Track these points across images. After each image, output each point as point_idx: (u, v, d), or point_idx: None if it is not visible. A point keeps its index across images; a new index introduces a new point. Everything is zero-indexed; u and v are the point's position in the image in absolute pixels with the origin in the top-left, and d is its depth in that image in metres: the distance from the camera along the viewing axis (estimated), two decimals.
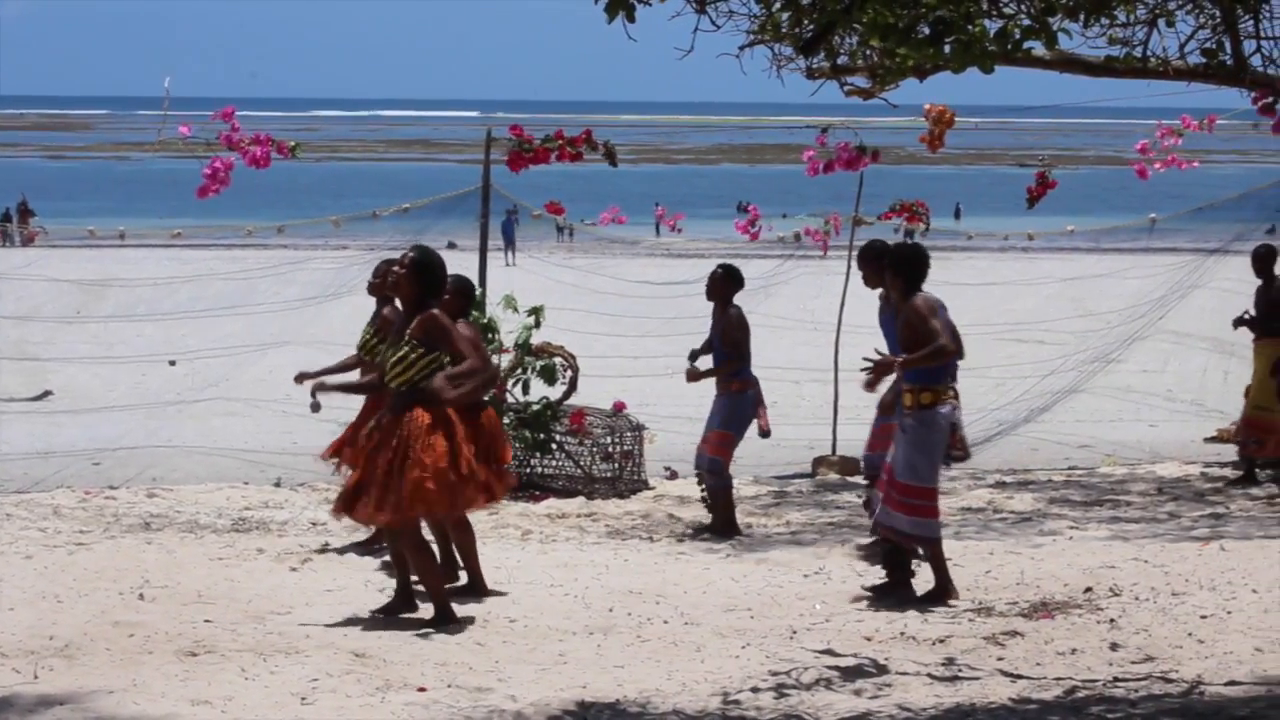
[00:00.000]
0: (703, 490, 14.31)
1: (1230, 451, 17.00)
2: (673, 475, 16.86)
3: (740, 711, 8.77)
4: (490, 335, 15.62)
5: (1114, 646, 9.92)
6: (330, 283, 19.64)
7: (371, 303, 13.22)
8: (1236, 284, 16.71)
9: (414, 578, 10.84)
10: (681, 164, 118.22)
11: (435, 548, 11.22)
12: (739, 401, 13.98)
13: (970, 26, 8.03)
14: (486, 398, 12.73)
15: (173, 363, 23.95)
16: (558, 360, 16.23)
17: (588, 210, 26.53)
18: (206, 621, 10.57)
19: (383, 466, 10.38)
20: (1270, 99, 13.22)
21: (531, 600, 11.36)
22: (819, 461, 17.75)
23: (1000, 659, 9.76)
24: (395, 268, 10.82)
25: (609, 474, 16.21)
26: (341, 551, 13.00)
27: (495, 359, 15.74)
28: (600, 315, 23.77)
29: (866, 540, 12.74)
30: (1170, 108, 16.74)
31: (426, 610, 10.72)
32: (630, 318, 23.23)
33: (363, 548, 12.93)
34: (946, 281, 21.77)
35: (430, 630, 10.44)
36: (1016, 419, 19.09)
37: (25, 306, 26.81)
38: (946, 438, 11.06)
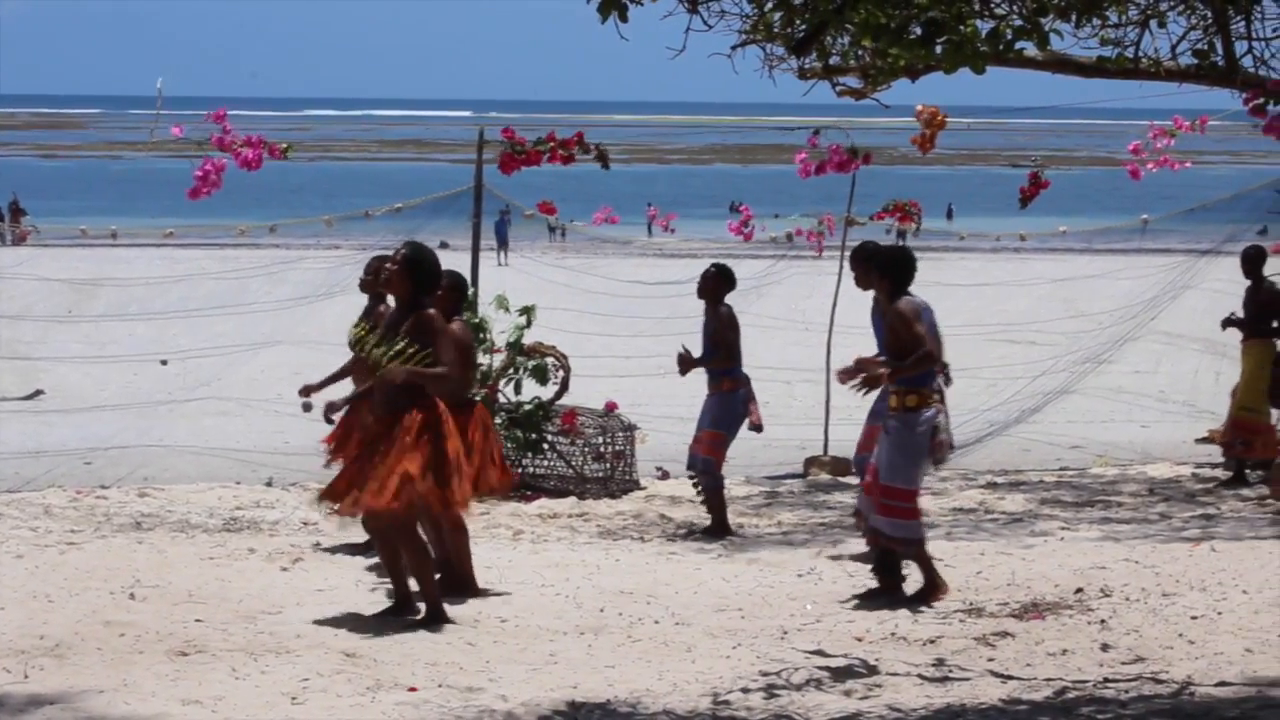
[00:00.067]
0: (698, 491, 14.32)
1: (1221, 453, 17.00)
2: (664, 475, 16.87)
3: (731, 712, 8.77)
4: (481, 335, 15.62)
5: (1104, 647, 9.92)
6: (322, 282, 19.63)
7: (363, 300, 13.21)
8: (1228, 285, 16.72)
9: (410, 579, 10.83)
10: (674, 164, 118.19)
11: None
12: (730, 401, 13.98)
13: (962, 27, 8.04)
14: (479, 397, 12.74)
15: (164, 362, 23.93)
16: (549, 360, 16.23)
17: (580, 210, 26.51)
18: (197, 621, 10.56)
19: (373, 462, 10.39)
20: (1261, 100, 13.23)
21: (523, 600, 11.36)
22: (811, 462, 17.76)
23: (991, 660, 9.76)
24: (388, 264, 10.81)
25: (601, 474, 16.21)
26: (333, 551, 13.00)
27: (486, 359, 15.76)
28: (592, 315, 23.77)
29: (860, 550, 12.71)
30: (1162, 109, 16.74)
31: (420, 609, 10.72)
32: (622, 318, 23.24)
33: (354, 548, 12.92)
34: (938, 282, 21.78)
35: (421, 629, 10.44)
36: (1008, 420, 19.09)
37: (17, 306, 26.77)
38: (929, 441, 11.08)
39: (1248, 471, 16.33)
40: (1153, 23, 13.03)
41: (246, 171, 14.82)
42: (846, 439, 15.72)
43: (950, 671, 9.53)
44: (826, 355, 17.70)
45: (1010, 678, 9.36)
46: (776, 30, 12.34)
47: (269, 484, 16.38)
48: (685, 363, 14.10)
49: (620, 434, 16.33)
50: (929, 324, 11.05)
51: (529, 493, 15.75)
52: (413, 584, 10.74)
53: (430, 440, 10.38)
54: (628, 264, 41.46)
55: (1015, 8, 9.41)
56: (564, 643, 10.23)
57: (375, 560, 12.22)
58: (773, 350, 21.39)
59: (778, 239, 20.98)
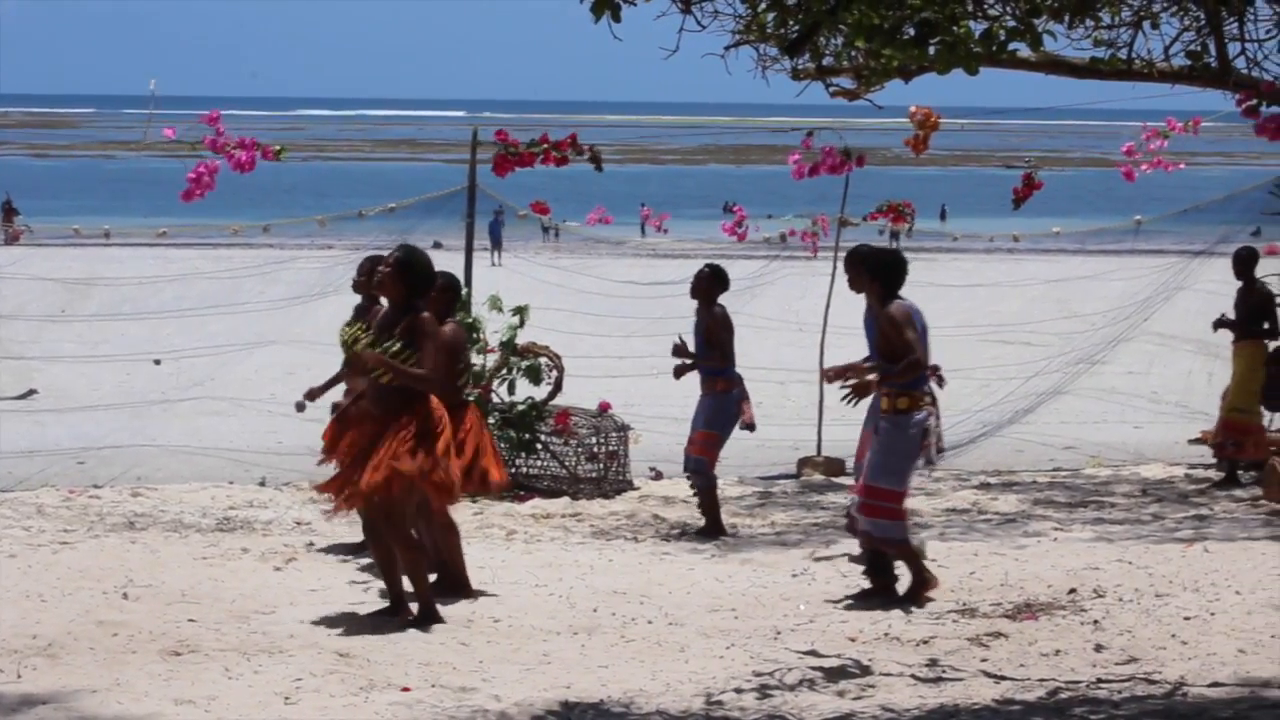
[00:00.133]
0: (694, 492, 14.33)
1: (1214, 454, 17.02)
2: (658, 475, 16.87)
3: (724, 712, 8.77)
4: (474, 335, 15.62)
5: (1098, 648, 9.93)
6: (316, 282, 19.63)
7: (356, 299, 13.21)
8: (1221, 286, 16.74)
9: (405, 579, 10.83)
10: (668, 164, 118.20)
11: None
12: (724, 401, 14.00)
13: (955, 28, 8.04)
14: (471, 397, 12.74)
15: (158, 362, 23.92)
16: (543, 360, 16.23)
17: (573, 210, 26.54)
18: (190, 621, 10.56)
19: (366, 459, 10.42)
20: (1254, 101, 13.24)
21: (516, 600, 11.36)
22: (804, 462, 17.76)
23: (984, 660, 9.77)
24: (381, 267, 10.83)
25: (594, 474, 16.21)
26: (326, 551, 13.00)
27: (480, 359, 15.76)
28: (586, 315, 23.77)
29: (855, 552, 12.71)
30: (1155, 109, 16.76)
31: (413, 608, 10.71)
32: (616, 318, 23.24)
33: (348, 548, 12.92)
34: (932, 283, 21.79)
35: (414, 629, 10.44)
36: (1001, 420, 19.10)
37: (9, 305, 26.71)
38: (920, 443, 11.09)
39: (1240, 472, 16.34)
40: (1146, 24, 13.05)
41: (239, 173, 14.84)
42: (840, 439, 15.75)
43: (943, 672, 9.53)
44: (820, 356, 17.69)
45: (1003, 678, 9.37)
46: (770, 31, 12.33)
47: (262, 484, 16.36)
48: (679, 351, 14.09)
49: (614, 434, 16.33)
50: (921, 329, 11.07)
51: (522, 493, 15.74)
52: (406, 584, 10.74)
53: (422, 438, 10.40)
54: (621, 264, 41.44)
55: (1008, 9, 9.40)
56: (557, 643, 10.23)
57: (369, 560, 12.21)
58: (766, 351, 21.40)
59: (771, 239, 20.99)
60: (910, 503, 14.65)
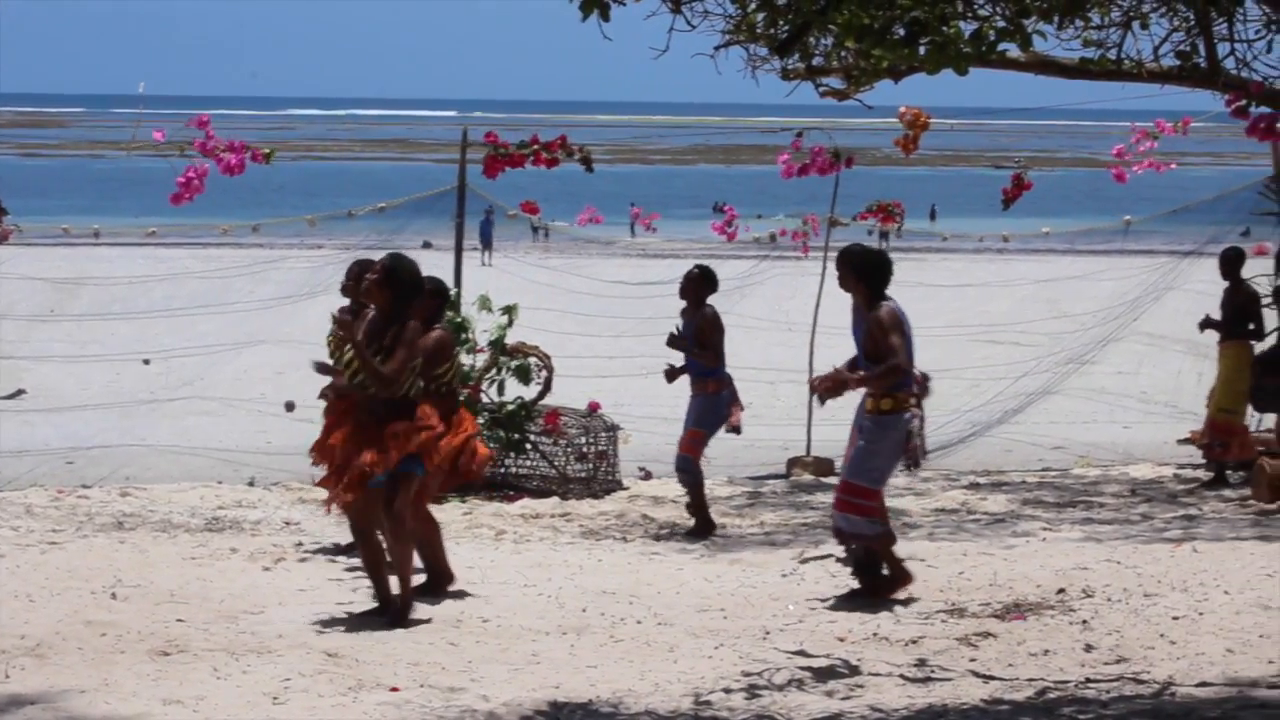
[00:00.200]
0: (685, 492, 14.34)
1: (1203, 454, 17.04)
2: (647, 476, 16.87)
3: (713, 712, 8.77)
4: (464, 335, 15.61)
5: (1086, 648, 9.94)
6: (305, 282, 19.60)
7: (344, 302, 13.20)
8: (1210, 286, 16.76)
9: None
10: (658, 164, 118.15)
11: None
12: (714, 401, 14.01)
13: (945, 28, 8.04)
14: (461, 398, 12.74)
15: (147, 361, 23.89)
16: (533, 360, 16.23)
17: (563, 210, 26.52)
18: (179, 621, 10.54)
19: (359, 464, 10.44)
20: (1244, 101, 13.26)
21: (505, 600, 11.35)
22: (793, 462, 17.76)
23: (973, 660, 9.77)
24: (369, 275, 10.87)
25: (583, 474, 16.21)
26: (315, 551, 12.99)
27: (469, 359, 15.76)
28: (575, 315, 23.75)
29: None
30: (1144, 110, 16.76)
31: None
32: (605, 318, 23.22)
33: (336, 549, 12.92)
34: (921, 283, 21.81)
35: (404, 628, 10.44)
36: (991, 420, 19.12)
37: None
38: (902, 445, 11.10)
39: (1229, 473, 16.35)
40: (1135, 24, 13.06)
41: (229, 176, 14.85)
42: (829, 439, 15.74)
43: (932, 672, 9.54)
44: (810, 356, 17.70)
45: (992, 678, 9.37)
46: (760, 31, 12.35)
47: (251, 484, 16.36)
48: (675, 342, 14.08)
49: (603, 434, 16.33)
50: (905, 335, 11.08)
51: (511, 493, 15.74)
52: (394, 583, 10.74)
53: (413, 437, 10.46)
54: (611, 264, 41.42)
55: (998, 9, 9.41)
56: (546, 643, 10.23)
57: (357, 561, 12.21)
58: (756, 351, 21.39)
59: (761, 239, 21.00)
60: (899, 503, 14.75)
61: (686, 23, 10.09)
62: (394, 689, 9.09)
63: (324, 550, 12.99)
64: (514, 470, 16.21)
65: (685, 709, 8.82)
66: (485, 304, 16.06)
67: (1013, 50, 9.41)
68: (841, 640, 10.30)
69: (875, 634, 10.44)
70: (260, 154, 14.92)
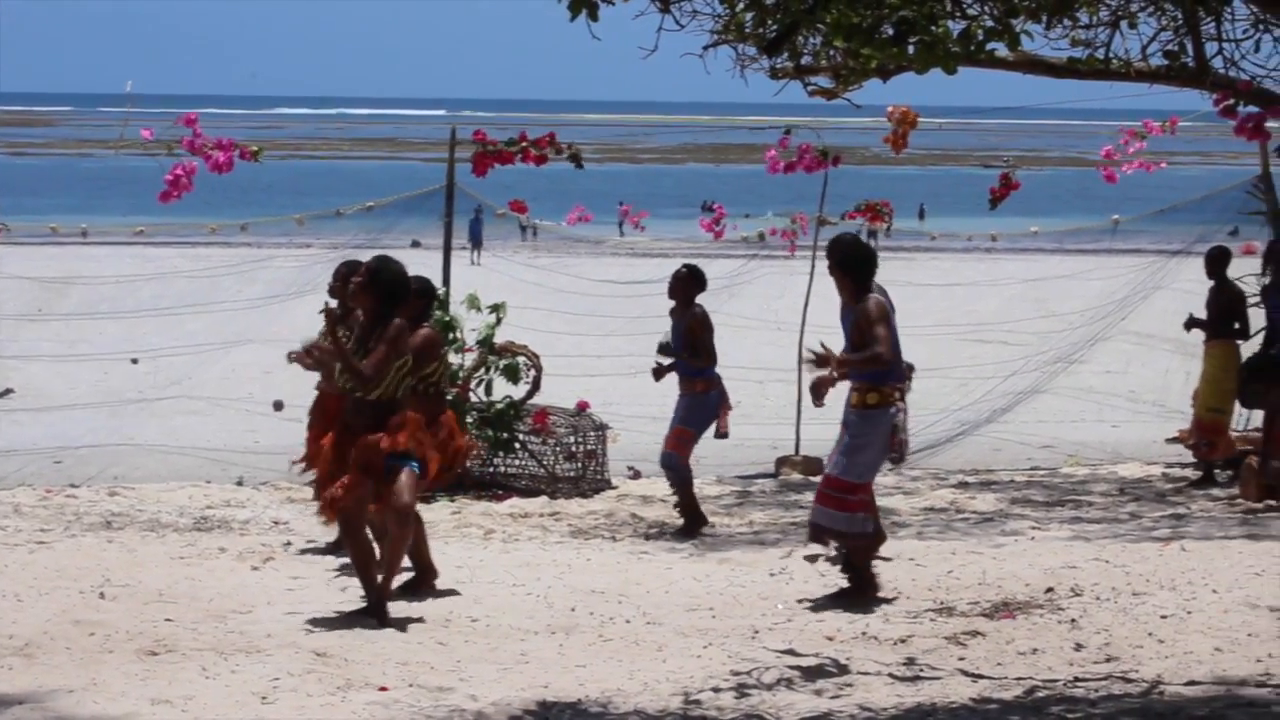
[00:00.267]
0: (673, 492, 14.34)
1: (1191, 453, 17.06)
2: (636, 475, 16.87)
3: (702, 711, 8.77)
4: (452, 335, 15.60)
5: (1075, 646, 9.95)
6: (294, 281, 19.58)
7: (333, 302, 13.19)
8: (1198, 285, 16.77)
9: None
10: (646, 163, 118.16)
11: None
12: (702, 401, 14.00)
13: (934, 27, 8.04)
14: (449, 397, 12.74)
15: (135, 361, 23.85)
16: (521, 359, 16.23)
17: (552, 209, 26.50)
18: (167, 620, 10.53)
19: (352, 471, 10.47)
20: (1232, 101, 13.28)
21: (494, 599, 11.35)
22: (782, 461, 17.77)
23: (961, 659, 9.78)
24: (355, 278, 10.87)
25: (572, 473, 16.21)
26: (303, 551, 12.98)
27: (458, 358, 15.75)
28: (564, 314, 23.75)
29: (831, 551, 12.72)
30: (1133, 109, 16.78)
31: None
32: (594, 317, 23.21)
33: (325, 548, 12.91)
34: (910, 282, 21.82)
35: (387, 625, 10.44)
36: (979, 419, 19.12)
37: None
38: (888, 438, 11.11)
39: (1217, 471, 16.37)
40: (1123, 24, 13.08)
41: (217, 174, 14.84)
42: (818, 438, 15.73)
43: (921, 671, 9.54)
44: (798, 355, 17.70)
45: (981, 677, 9.38)
46: (748, 30, 12.35)
47: (239, 483, 16.34)
48: (665, 350, 14.08)
49: (592, 433, 16.33)
50: (891, 327, 11.08)
51: (500, 492, 15.74)
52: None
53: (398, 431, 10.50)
54: (599, 263, 41.41)
55: (986, 8, 9.42)
56: (535, 642, 10.23)
57: (346, 560, 12.20)
58: (745, 350, 21.40)
59: (749, 238, 21.00)
60: (888, 501, 14.75)
61: (675, 22, 10.10)
62: (383, 688, 9.09)
63: (313, 549, 12.98)
64: (503, 469, 16.21)
65: (674, 708, 8.82)
66: (474, 303, 16.05)
67: (1001, 50, 9.41)
68: (830, 639, 10.31)
69: (864, 633, 10.45)
70: (248, 152, 14.91)
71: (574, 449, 16.25)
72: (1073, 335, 20.15)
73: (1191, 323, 16.37)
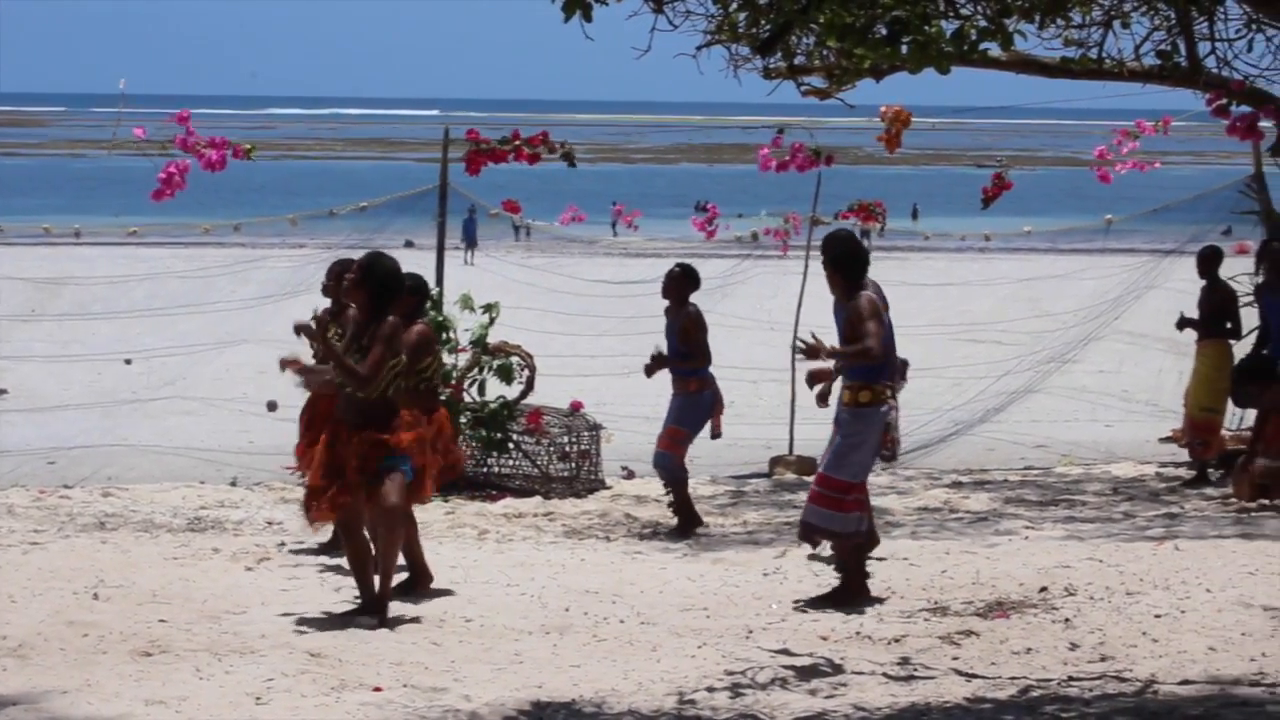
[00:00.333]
0: (667, 492, 14.33)
1: (1185, 453, 17.08)
2: (630, 475, 16.87)
3: (696, 711, 8.77)
4: (445, 334, 15.60)
5: (1069, 646, 9.96)
6: (287, 281, 19.58)
7: (325, 301, 13.20)
8: (1191, 285, 16.78)
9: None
10: (640, 163, 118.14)
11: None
12: (695, 400, 13.99)
13: (927, 27, 8.05)
14: (443, 397, 12.74)
15: (128, 361, 23.84)
16: (515, 359, 16.22)
17: (545, 209, 26.50)
18: (161, 621, 10.53)
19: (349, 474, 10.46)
20: (1224, 100, 13.29)
21: (488, 600, 11.35)
22: (776, 461, 17.77)
23: (955, 658, 9.78)
24: (348, 275, 10.87)
25: (566, 473, 16.20)
26: (297, 551, 12.97)
27: (451, 358, 15.74)
28: (558, 314, 23.75)
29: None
30: (1126, 109, 16.79)
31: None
32: (588, 317, 23.22)
33: (319, 548, 12.90)
34: (903, 281, 21.81)
35: (380, 624, 10.44)
36: (973, 419, 19.13)
37: None
38: (880, 437, 11.12)
39: (1211, 470, 16.38)
40: (1116, 23, 13.10)
41: (210, 172, 14.84)
42: (812, 438, 15.74)
43: (915, 670, 9.55)
44: (792, 355, 17.71)
45: (975, 676, 9.38)
46: (742, 30, 12.36)
47: (233, 483, 16.33)
48: (655, 361, 14.09)
49: (585, 433, 16.33)
50: (883, 323, 11.08)
51: (494, 492, 15.74)
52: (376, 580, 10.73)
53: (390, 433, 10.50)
54: (593, 263, 41.41)
55: (980, 8, 9.43)
56: (529, 642, 10.22)
57: (339, 560, 12.20)
58: (738, 350, 21.40)
59: (742, 238, 21.00)
60: (882, 501, 14.76)
61: (669, 22, 10.10)
62: (377, 689, 9.08)
63: (307, 550, 12.97)
64: (497, 470, 16.21)
65: (669, 708, 8.82)
66: (467, 303, 16.05)
67: (994, 49, 9.43)
68: (825, 639, 10.31)
69: (858, 633, 10.45)
70: (241, 150, 14.92)
71: (568, 449, 16.25)
72: (1066, 335, 20.16)
73: (1183, 322, 16.39)
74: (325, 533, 12.33)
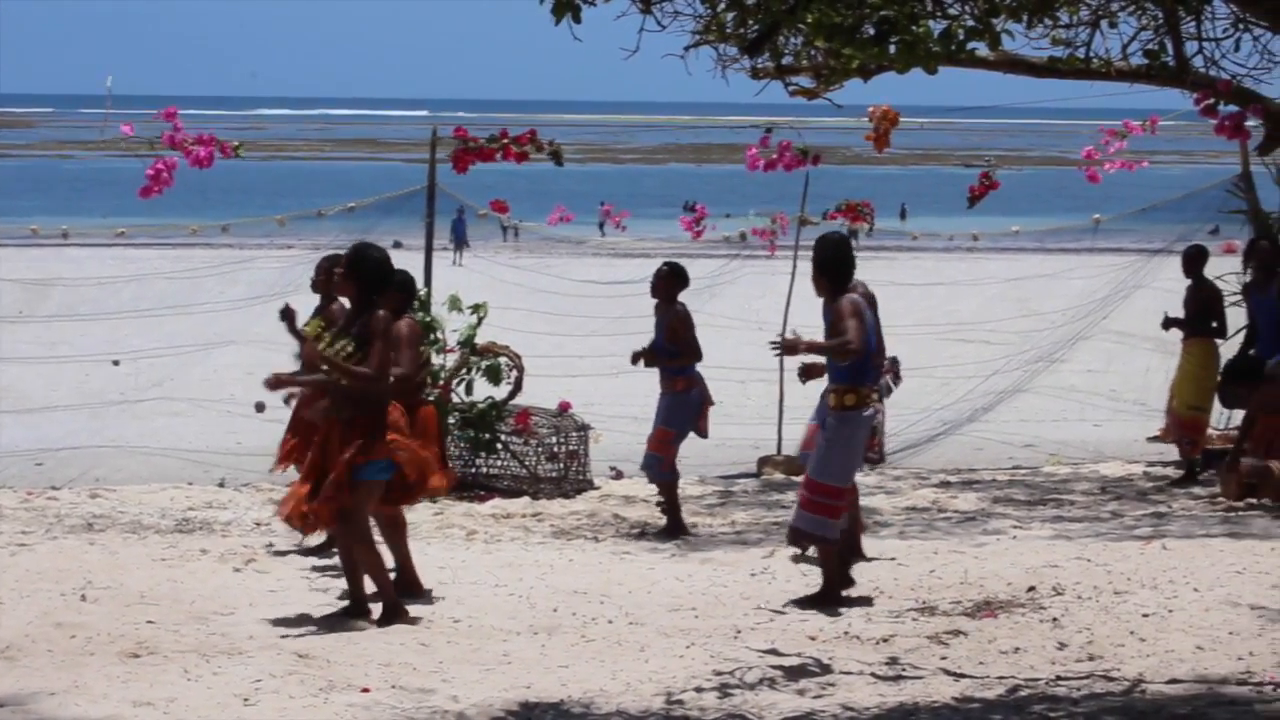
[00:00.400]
0: (657, 491, 14.32)
1: (1173, 451, 17.10)
2: (618, 475, 16.87)
3: (684, 711, 8.78)
4: (433, 335, 15.58)
5: (1057, 645, 9.97)
6: (275, 282, 19.53)
7: (315, 300, 13.19)
8: (1179, 284, 16.80)
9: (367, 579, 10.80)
10: (628, 163, 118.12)
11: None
12: (683, 400, 13.99)
13: (915, 27, 8.04)
14: (431, 397, 12.73)
15: (116, 362, 23.77)
16: (503, 360, 16.21)
17: (533, 209, 26.49)
18: (149, 623, 10.52)
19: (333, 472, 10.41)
20: (1212, 100, 13.30)
21: (476, 600, 11.34)
22: (764, 461, 17.78)
23: (944, 658, 9.79)
24: (337, 269, 10.85)
25: (554, 474, 16.20)
26: (285, 552, 12.96)
27: (439, 358, 15.73)
28: (546, 315, 23.74)
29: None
30: (1113, 109, 16.80)
31: (376, 609, 10.68)
32: (576, 317, 23.20)
33: (307, 549, 12.89)
34: (892, 281, 21.81)
35: (379, 628, 10.43)
36: (961, 419, 19.14)
37: None
38: (865, 440, 11.14)
39: (1198, 470, 16.40)
40: (1104, 23, 13.09)
41: (198, 170, 14.82)
42: (800, 438, 15.73)
43: (903, 670, 9.55)
44: (774, 353, 17.69)
45: (963, 676, 9.39)
46: (729, 31, 12.35)
47: (221, 485, 16.32)
48: (647, 356, 14.08)
49: (574, 434, 16.32)
50: (865, 323, 11.09)
51: (482, 493, 15.73)
52: (369, 586, 10.72)
53: (375, 434, 10.45)
54: (581, 263, 41.41)
55: (967, 8, 9.42)
56: (517, 643, 10.22)
57: (327, 561, 12.20)
58: (726, 350, 21.38)
59: (730, 238, 21.00)
60: (870, 501, 14.77)
61: (657, 23, 10.07)
62: (365, 690, 9.08)
63: (295, 551, 12.96)
64: (485, 470, 16.20)
65: (657, 708, 8.82)
66: (455, 304, 16.03)
67: (982, 49, 9.41)
68: (813, 639, 10.31)
69: (846, 632, 10.46)
70: (229, 147, 14.90)
71: (556, 449, 16.25)
72: (1054, 334, 20.18)
73: (1169, 322, 16.40)
74: (318, 535, 12.32)
